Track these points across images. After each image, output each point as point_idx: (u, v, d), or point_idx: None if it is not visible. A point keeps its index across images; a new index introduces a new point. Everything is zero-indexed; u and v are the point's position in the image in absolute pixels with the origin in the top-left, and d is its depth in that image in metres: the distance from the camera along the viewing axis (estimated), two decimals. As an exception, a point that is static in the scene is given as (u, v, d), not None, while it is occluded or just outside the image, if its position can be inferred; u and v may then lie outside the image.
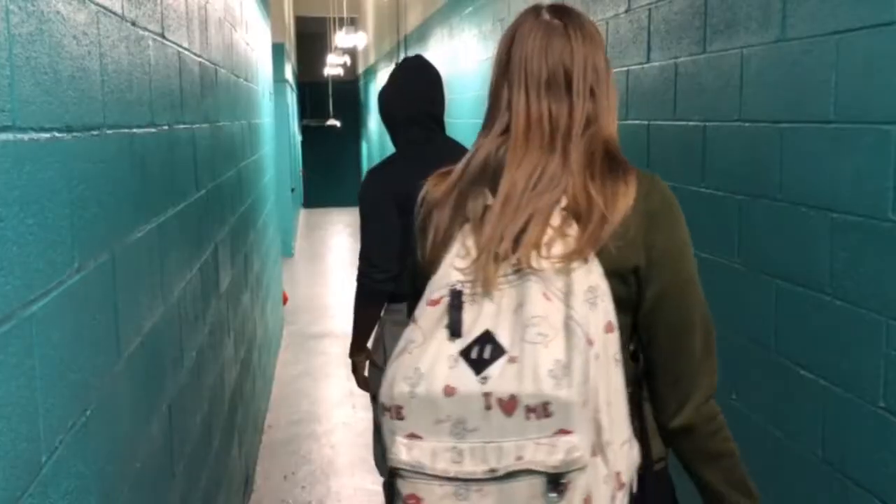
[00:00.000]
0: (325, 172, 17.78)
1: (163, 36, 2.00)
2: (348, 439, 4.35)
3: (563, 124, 1.29)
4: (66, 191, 1.24)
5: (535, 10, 1.36)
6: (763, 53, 2.17)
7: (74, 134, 1.29)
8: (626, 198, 1.26)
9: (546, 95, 1.29)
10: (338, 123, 17.54)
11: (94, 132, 1.40)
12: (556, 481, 1.13)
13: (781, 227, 2.11)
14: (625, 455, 1.22)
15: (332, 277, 9.53)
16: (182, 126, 2.23)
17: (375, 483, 3.74)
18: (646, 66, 2.86)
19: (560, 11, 1.35)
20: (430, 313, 1.20)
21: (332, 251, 11.70)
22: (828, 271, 1.94)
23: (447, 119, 2.79)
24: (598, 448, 1.17)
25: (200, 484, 2.33)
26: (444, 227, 1.29)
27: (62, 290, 1.20)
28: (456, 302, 1.19)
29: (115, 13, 1.56)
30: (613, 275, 1.24)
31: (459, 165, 1.35)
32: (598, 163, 1.28)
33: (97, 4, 1.44)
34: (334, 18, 14.92)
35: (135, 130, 1.68)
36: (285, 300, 7.22)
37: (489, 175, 1.29)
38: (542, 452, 1.12)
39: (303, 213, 16.04)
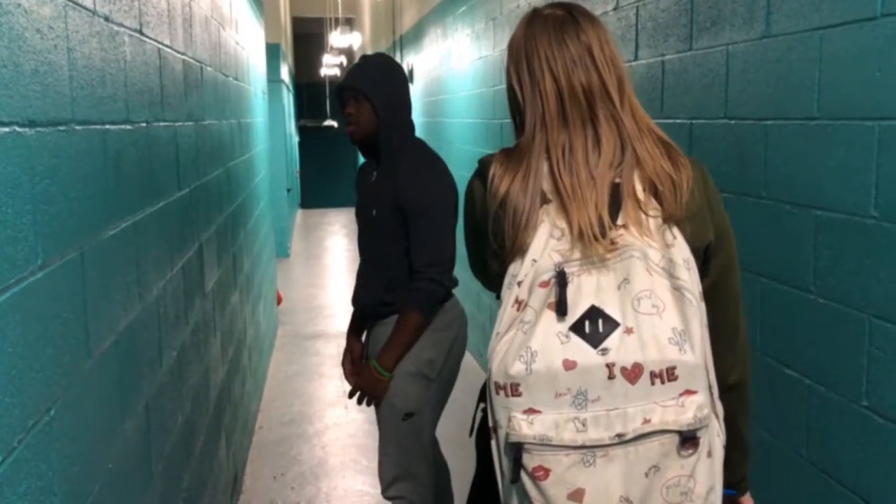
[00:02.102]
0: (323, 173, 17.73)
1: (140, 32, 1.98)
2: (340, 440, 4.32)
3: (598, 91, 1.34)
4: (28, 186, 1.22)
5: (536, 11, 1.42)
6: (748, 50, 2.15)
7: (38, 129, 1.27)
8: (686, 169, 1.34)
9: (574, 70, 1.34)
10: (335, 124, 17.50)
11: (62, 127, 1.38)
12: (689, 438, 1.20)
13: (766, 224, 2.09)
14: (721, 409, 1.31)
15: (328, 278, 9.51)
16: (163, 124, 2.20)
17: (366, 484, 3.72)
18: (633, 63, 2.84)
19: (560, 5, 1.41)
20: (539, 294, 1.25)
21: (329, 252, 11.66)
22: (811, 269, 1.92)
23: (441, 118, 2.76)
24: (712, 404, 1.25)
25: (182, 484, 2.31)
26: (525, 212, 1.31)
27: (23, 287, 1.17)
28: (562, 282, 1.24)
29: (85, 8, 1.53)
30: (693, 252, 1.31)
31: (519, 157, 1.36)
32: (651, 137, 1.35)
33: (65, -2, 1.42)
34: (331, 19, 14.90)
35: (108, 127, 1.66)
36: (280, 301, 7.19)
37: (553, 159, 1.33)
38: (672, 413, 1.20)
39: (300, 214, 16.02)
